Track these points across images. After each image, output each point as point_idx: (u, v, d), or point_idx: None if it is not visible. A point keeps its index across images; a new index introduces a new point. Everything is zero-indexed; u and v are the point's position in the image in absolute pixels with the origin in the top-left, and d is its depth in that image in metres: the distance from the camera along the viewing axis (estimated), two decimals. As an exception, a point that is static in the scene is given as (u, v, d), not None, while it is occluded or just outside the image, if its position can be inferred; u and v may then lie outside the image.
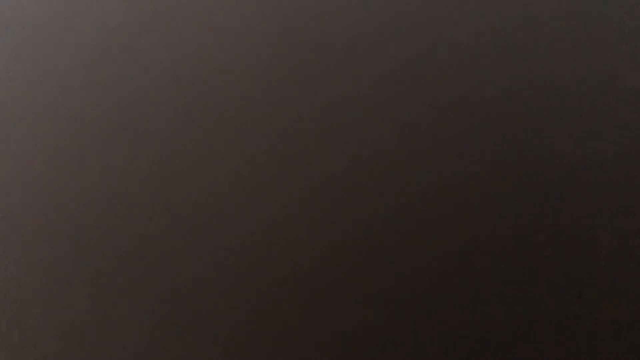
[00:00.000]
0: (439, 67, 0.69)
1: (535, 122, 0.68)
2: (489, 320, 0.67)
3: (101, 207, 0.67)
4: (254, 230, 0.67)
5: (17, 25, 0.68)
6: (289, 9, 0.69)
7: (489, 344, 0.67)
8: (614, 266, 0.68)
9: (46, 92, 0.68)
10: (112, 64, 0.68)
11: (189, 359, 0.67)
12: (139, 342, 0.67)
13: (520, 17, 0.69)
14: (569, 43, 0.69)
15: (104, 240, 0.67)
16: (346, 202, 0.68)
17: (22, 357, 0.66)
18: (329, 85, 0.69)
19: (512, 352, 0.67)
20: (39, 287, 0.67)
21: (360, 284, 0.67)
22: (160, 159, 0.68)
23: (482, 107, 0.68)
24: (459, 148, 0.68)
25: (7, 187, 0.67)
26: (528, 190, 0.68)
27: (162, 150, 0.68)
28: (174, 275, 0.67)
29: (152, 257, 0.67)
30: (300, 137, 0.68)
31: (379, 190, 0.68)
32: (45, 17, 0.68)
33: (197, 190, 0.68)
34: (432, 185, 0.68)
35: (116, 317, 0.67)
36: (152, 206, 0.67)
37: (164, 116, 0.68)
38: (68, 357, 0.66)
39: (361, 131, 0.68)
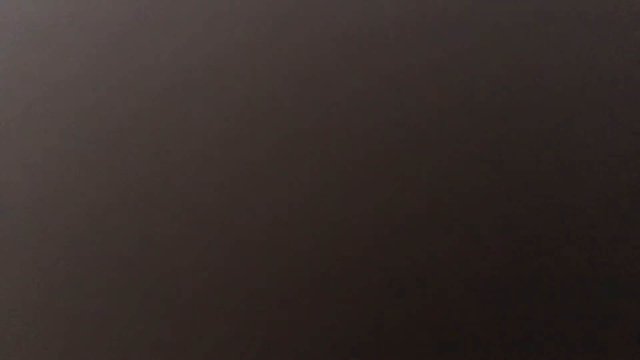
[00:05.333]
0: (439, 67, 0.69)
1: (536, 122, 0.68)
2: (488, 319, 0.67)
3: (102, 207, 0.67)
4: (255, 231, 0.67)
5: (17, 26, 0.68)
6: (288, 8, 0.69)
7: (488, 344, 0.67)
8: (613, 265, 0.68)
9: (47, 93, 0.68)
10: (113, 64, 0.68)
11: (189, 359, 0.67)
12: (140, 342, 0.67)
13: (520, 17, 0.70)
14: (569, 43, 0.69)
15: (105, 240, 0.67)
16: (346, 202, 0.68)
17: (22, 356, 0.66)
18: (329, 85, 0.69)
19: (511, 352, 0.67)
20: (39, 287, 0.67)
21: (360, 284, 0.67)
22: (162, 159, 0.68)
23: (482, 107, 0.69)
24: (459, 148, 0.68)
25: (8, 187, 0.67)
26: (528, 190, 0.68)
27: (163, 150, 0.68)
28: (175, 276, 0.67)
29: (153, 257, 0.67)
30: (300, 137, 0.68)
31: (379, 190, 0.68)
32: (45, 17, 0.69)
33: (198, 190, 0.68)
34: (432, 185, 0.68)
35: (116, 317, 0.67)
36: (153, 206, 0.67)
37: (164, 116, 0.68)
38: (69, 356, 0.66)
39: (361, 131, 0.68)
